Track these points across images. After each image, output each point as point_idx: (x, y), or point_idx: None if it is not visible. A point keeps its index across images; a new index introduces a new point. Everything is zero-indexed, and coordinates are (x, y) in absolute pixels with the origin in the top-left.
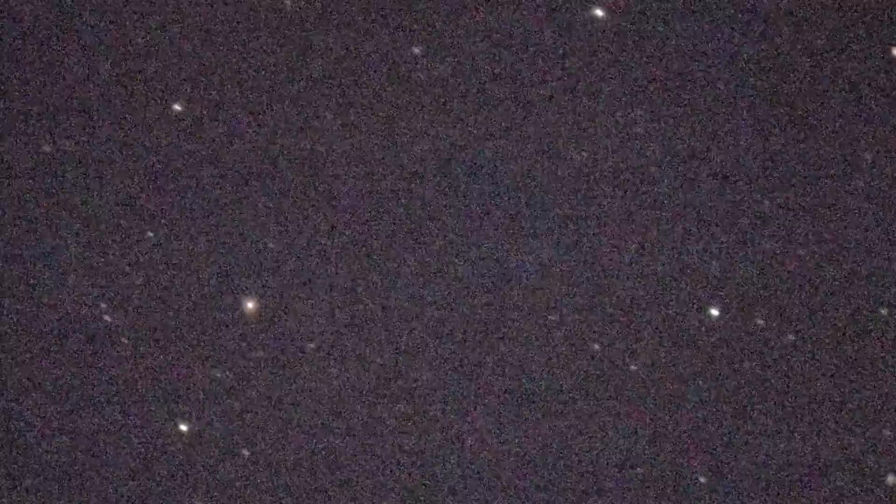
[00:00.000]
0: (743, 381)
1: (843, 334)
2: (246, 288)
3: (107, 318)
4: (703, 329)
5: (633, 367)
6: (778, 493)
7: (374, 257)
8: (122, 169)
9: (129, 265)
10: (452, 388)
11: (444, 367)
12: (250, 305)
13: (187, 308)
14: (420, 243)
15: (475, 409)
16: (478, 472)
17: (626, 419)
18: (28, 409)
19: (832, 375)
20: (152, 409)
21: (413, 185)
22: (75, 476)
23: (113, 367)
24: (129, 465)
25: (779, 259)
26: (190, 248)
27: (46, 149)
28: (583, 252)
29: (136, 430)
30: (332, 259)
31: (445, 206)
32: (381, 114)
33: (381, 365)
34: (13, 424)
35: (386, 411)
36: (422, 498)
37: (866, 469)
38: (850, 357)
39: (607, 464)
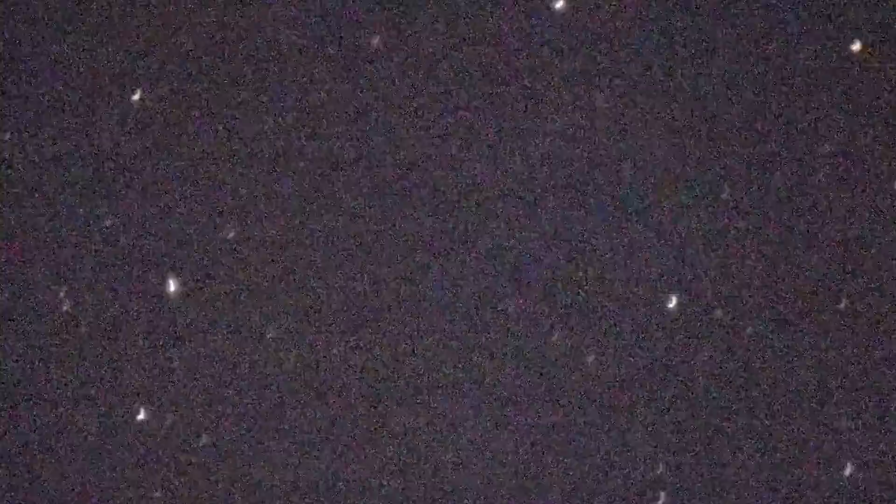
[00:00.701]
0: (701, 373)
1: (802, 327)
2: (205, 275)
3: (65, 306)
4: (660, 320)
5: (590, 359)
6: (736, 484)
7: (334, 247)
8: (80, 157)
9: (88, 252)
10: (406, 377)
11: (401, 356)
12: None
13: (146, 295)
14: (375, 233)
15: (430, 401)
16: (434, 466)
17: (583, 410)
18: None
19: (791, 367)
20: (111, 396)
21: (371, 176)
22: (31, 464)
23: (71, 354)
24: (87, 453)
25: (737, 251)
26: (148, 235)
27: (5, 137)
28: (539, 243)
29: (95, 417)
30: (292, 247)
31: (401, 197)
32: (339, 105)
33: (341, 352)
34: None
35: (345, 399)
36: (377, 486)
37: (825, 459)
38: (809, 349)
39: (562, 455)
